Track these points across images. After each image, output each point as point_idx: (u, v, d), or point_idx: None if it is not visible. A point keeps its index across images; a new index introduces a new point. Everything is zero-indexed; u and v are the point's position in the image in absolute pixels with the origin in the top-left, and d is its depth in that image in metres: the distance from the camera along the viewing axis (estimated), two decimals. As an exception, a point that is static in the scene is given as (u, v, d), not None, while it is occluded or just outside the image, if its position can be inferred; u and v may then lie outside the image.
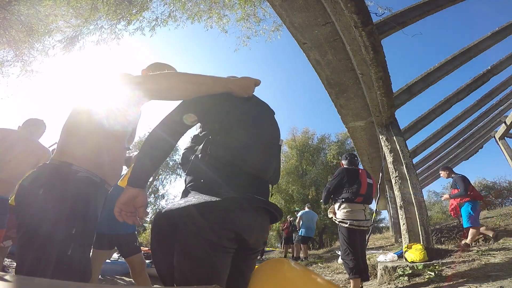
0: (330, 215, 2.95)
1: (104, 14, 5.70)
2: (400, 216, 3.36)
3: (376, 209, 5.91)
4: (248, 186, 0.88)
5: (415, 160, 7.28)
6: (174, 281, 0.80)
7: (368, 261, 3.03)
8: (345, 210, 2.71)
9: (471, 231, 3.80)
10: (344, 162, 3.01)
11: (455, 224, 7.08)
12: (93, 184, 1.04)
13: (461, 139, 8.78)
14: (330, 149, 17.97)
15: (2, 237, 1.97)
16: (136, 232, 2.42)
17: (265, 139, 0.99)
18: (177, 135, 0.94)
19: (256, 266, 0.90)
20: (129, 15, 5.96)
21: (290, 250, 8.27)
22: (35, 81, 6.60)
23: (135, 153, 2.88)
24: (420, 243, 2.96)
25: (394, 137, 3.79)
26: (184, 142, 1.03)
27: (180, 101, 0.98)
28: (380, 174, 5.73)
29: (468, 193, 3.98)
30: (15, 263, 0.96)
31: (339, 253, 3.54)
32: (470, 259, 2.63)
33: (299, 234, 7.08)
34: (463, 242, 3.79)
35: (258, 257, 8.46)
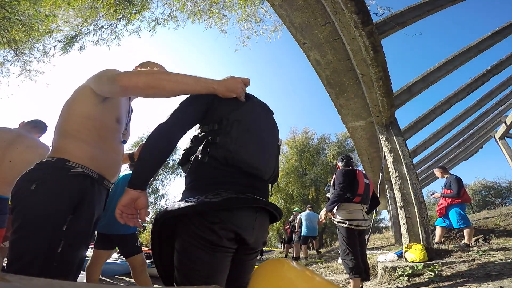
0: (328, 216, 2.96)
1: (104, 14, 5.70)
2: (400, 216, 3.36)
3: (376, 209, 5.91)
4: (247, 187, 0.88)
5: (415, 160, 7.28)
6: (174, 281, 0.81)
7: (368, 261, 3.03)
8: (344, 211, 2.71)
9: (466, 231, 3.84)
10: (340, 164, 3.05)
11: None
12: (89, 179, 1.04)
13: (461, 139, 8.78)
14: (330, 149, 17.98)
15: (2, 237, 1.96)
16: (136, 232, 2.42)
17: (264, 140, 1.00)
18: (176, 139, 0.93)
19: (256, 266, 0.90)
20: (129, 15, 5.97)
21: (291, 250, 8.27)
22: (35, 81, 6.60)
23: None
24: (420, 243, 2.96)
25: (394, 137, 3.79)
26: (183, 143, 1.04)
27: (179, 102, 0.98)
28: (380, 174, 5.73)
29: (460, 195, 4.08)
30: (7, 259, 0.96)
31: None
32: (470, 259, 2.63)
33: (301, 234, 7.13)
34: (462, 242, 3.81)
35: (258, 257, 8.52)
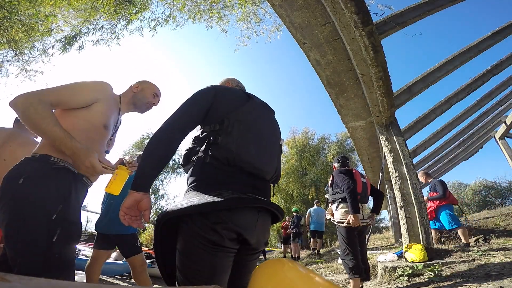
0: (328, 217, 2.96)
1: (104, 14, 5.70)
2: (400, 216, 3.36)
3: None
4: (249, 187, 0.88)
5: (415, 160, 7.28)
6: (176, 280, 0.81)
7: (368, 261, 3.04)
8: (343, 210, 2.71)
9: (460, 231, 3.92)
10: (336, 165, 3.06)
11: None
12: (71, 174, 1.08)
13: (461, 139, 8.78)
14: (330, 149, 17.98)
15: (1, 237, 1.96)
16: (136, 233, 2.42)
17: (266, 140, 1.00)
18: (178, 140, 0.93)
19: (256, 266, 0.90)
20: (129, 15, 5.96)
21: (288, 250, 8.26)
22: (35, 81, 6.60)
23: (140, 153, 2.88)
24: (420, 243, 2.96)
25: (394, 137, 3.79)
26: (185, 144, 1.04)
27: (180, 104, 0.98)
28: (380, 174, 5.73)
29: (446, 196, 4.24)
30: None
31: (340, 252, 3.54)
32: (470, 259, 2.63)
33: (310, 229, 7.44)
34: (462, 242, 3.84)
35: (261, 257, 8.55)
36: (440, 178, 4.55)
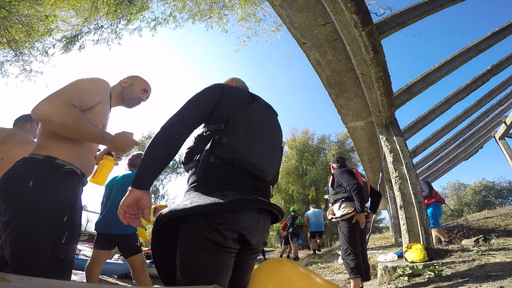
0: (329, 216, 2.95)
1: (104, 14, 5.71)
2: (400, 216, 3.36)
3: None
4: (252, 188, 0.88)
5: (415, 160, 7.28)
6: (176, 281, 0.80)
7: (368, 261, 3.04)
8: (345, 208, 2.71)
9: (435, 230, 4.14)
10: (335, 165, 3.06)
11: (455, 224, 7.08)
12: (76, 176, 1.09)
13: (461, 139, 8.78)
14: (330, 149, 17.97)
15: None
16: (136, 232, 2.42)
17: (269, 141, 0.99)
18: (182, 138, 0.92)
19: (256, 266, 0.90)
20: (129, 15, 5.97)
21: (286, 250, 8.26)
22: (34, 82, 6.60)
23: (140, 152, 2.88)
24: (420, 243, 2.96)
25: (394, 137, 3.79)
26: (187, 141, 1.03)
27: (185, 101, 0.96)
28: (380, 174, 5.73)
29: (432, 195, 4.48)
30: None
31: (339, 252, 3.54)
32: (470, 259, 2.63)
33: (310, 229, 7.71)
34: (443, 241, 4.10)
35: (261, 257, 8.58)
36: (427, 180, 4.86)
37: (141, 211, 0.88)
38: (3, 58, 6.21)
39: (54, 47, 6.01)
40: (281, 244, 9.95)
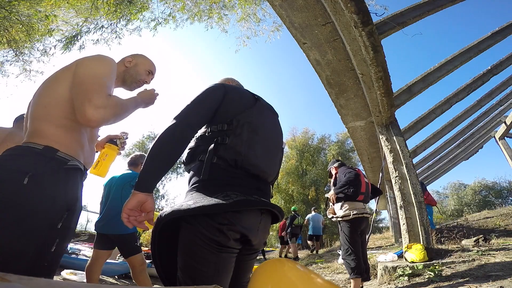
0: (329, 216, 2.95)
1: (104, 14, 5.71)
2: (400, 216, 3.36)
3: (376, 209, 5.94)
4: (254, 189, 0.89)
5: (415, 160, 7.28)
6: (177, 280, 0.80)
7: (368, 261, 3.03)
8: (347, 207, 2.72)
9: None
10: (336, 165, 3.08)
11: (455, 224, 7.09)
12: (79, 172, 0.97)
13: (461, 139, 8.78)
14: (330, 149, 17.96)
15: None
16: (136, 232, 2.42)
17: (271, 143, 1.00)
18: (187, 139, 0.89)
19: (255, 266, 0.90)
20: (129, 15, 5.96)
21: (284, 250, 8.27)
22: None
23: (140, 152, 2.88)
24: (420, 243, 2.96)
25: (394, 137, 3.79)
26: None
27: (189, 101, 0.94)
28: (380, 174, 5.73)
29: (424, 197, 4.36)
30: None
31: (340, 252, 3.54)
32: (470, 259, 2.63)
33: (308, 233, 8.12)
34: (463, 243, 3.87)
35: (261, 257, 8.62)
36: (422, 181, 4.84)
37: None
38: (3, 58, 6.21)
39: (55, 48, 6.01)
40: (280, 244, 9.96)
